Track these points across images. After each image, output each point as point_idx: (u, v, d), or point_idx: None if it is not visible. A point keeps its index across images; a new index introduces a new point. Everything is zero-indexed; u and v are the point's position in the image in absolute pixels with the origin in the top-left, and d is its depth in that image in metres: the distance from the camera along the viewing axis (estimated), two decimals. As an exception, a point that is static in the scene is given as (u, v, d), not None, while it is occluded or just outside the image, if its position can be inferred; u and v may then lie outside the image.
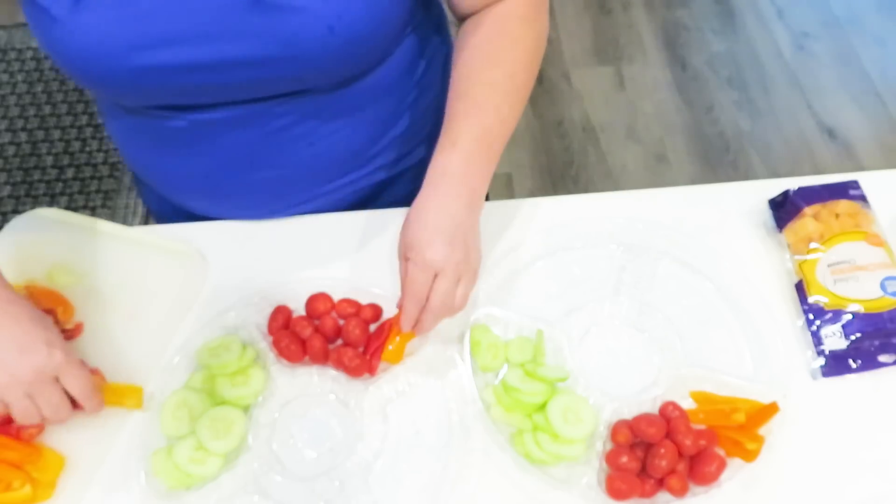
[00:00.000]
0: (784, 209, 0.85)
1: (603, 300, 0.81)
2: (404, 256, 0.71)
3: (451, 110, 0.74)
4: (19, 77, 2.30)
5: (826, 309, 0.78)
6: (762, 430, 0.70)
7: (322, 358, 0.76)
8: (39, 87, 2.27)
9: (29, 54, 2.35)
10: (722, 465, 0.68)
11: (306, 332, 0.76)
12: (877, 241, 0.81)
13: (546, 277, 0.83)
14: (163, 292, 0.82)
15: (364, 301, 0.79)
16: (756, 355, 0.77)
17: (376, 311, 0.79)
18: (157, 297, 0.81)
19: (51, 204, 2.00)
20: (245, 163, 0.82)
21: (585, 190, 2.04)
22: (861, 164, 2.07)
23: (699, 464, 0.69)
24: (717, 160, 2.10)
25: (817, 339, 0.77)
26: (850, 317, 0.76)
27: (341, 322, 0.77)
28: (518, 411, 0.72)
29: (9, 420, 0.69)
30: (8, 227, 0.87)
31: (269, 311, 0.79)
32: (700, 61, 2.33)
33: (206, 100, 0.75)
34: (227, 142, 0.80)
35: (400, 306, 0.71)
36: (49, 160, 2.11)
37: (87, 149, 2.13)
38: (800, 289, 0.80)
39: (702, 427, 0.71)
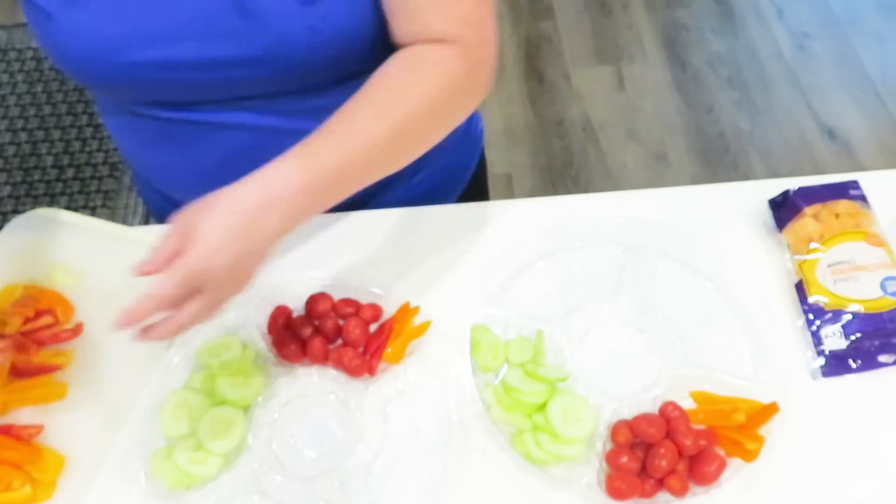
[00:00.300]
0: (784, 209, 0.85)
1: (603, 300, 0.81)
2: (182, 237, 0.59)
3: (331, 122, 0.66)
4: (19, 77, 2.30)
5: (826, 309, 0.78)
6: (762, 430, 0.70)
7: (322, 358, 0.76)
8: (39, 87, 2.27)
9: (29, 54, 2.35)
10: (722, 465, 0.68)
11: (306, 332, 0.76)
12: (877, 241, 0.81)
13: (546, 277, 0.83)
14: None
15: (364, 301, 0.79)
16: (756, 355, 0.77)
17: (376, 311, 0.79)
18: (157, 297, 0.81)
19: (51, 204, 2.00)
20: (239, 162, 0.81)
21: (585, 190, 2.05)
22: (861, 164, 2.07)
23: (699, 464, 0.69)
24: (717, 160, 2.10)
25: (817, 339, 0.77)
26: (850, 317, 0.76)
27: (341, 322, 0.77)
28: (518, 411, 0.72)
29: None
30: (8, 227, 0.87)
31: (269, 311, 0.79)
32: (700, 61, 2.33)
33: (196, 97, 0.75)
34: (222, 140, 0.80)
35: (142, 272, 0.59)
36: (49, 160, 2.11)
37: (87, 149, 2.13)
38: (800, 289, 0.80)
39: (702, 427, 0.71)
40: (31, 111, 2.21)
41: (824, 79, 2.27)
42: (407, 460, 0.71)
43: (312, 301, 0.79)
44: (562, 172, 2.11)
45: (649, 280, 0.82)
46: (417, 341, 0.77)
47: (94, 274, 0.82)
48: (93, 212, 2.01)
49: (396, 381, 0.76)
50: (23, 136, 2.16)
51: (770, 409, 0.70)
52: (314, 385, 0.76)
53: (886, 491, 0.70)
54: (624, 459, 0.69)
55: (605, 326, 0.80)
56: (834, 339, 0.76)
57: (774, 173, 2.07)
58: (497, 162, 2.11)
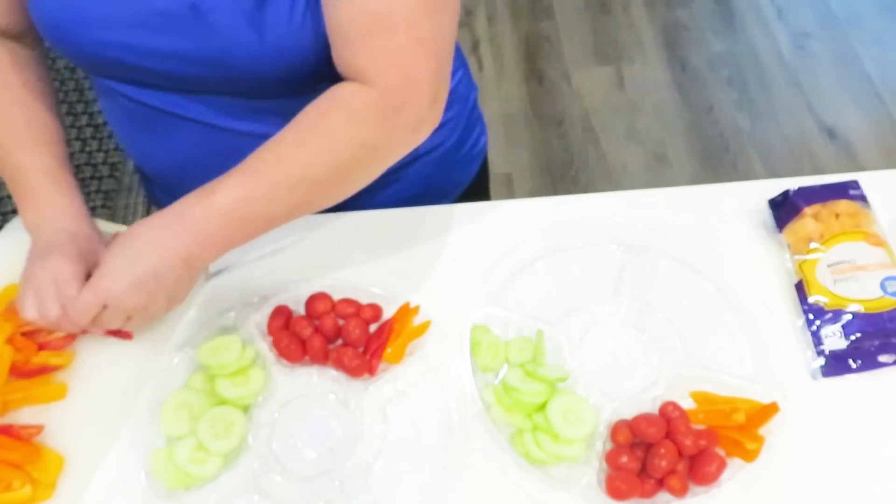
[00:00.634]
0: (784, 209, 0.85)
1: (603, 300, 0.81)
2: (95, 265, 0.70)
3: (244, 162, 0.69)
4: (19, 77, 2.30)
5: (826, 309, 0.78)
6: (762, 430, 0.70)
7: (322, 358, 0.76)
8: (39, 87, 2.27)
9: (29, 54, 2.35)
10: (722, 465, 0.68)
11: (306, 332, 0.76)
12: (877, 241, 0.81)
13: (546, 277, 0.83)
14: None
15: (364, 301, 0.79)
16: (756, 355, 0.77)
17: (376, 311, 0.79)
18: (157, 297, 0.81)
19: (51, 204, 2.00)
20: (205, 156, 0.83)
21: (585, 190, 2.05)
22: (861, 164, 2.08)
23: (699, 464, 0.69)
24: (717, 160, 2.10)
25: (817, 339, 0.77)
26: (850, 317, 0.76)
27: (341, 322, 0.77)
28: (518, 411, 0.72)
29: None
30: (8, 227, 0.87)
31: (269, 311, 0.79)
32: (700, 61, 2.33)
33: (157, 82, 0.76)
34: (188, 132, 0.81)
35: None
36: (49, 160, 2.11)
37: (87, 149, 2.13)
38: (800, 289, 0.80)
39: (702, 427, 0.71)
40: (31, 111, 2.21)
41: (824, 79, 2.27)
42: (407, 460, 0.71)
43: (312, 301, 0.79)
44: (562, 172, 2.11)
45: (649, 280, 0.82)
46: (417, 341, 0.77)
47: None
48: (93, 212, 2.00)
49: (396, 381, 0.76)
50: (23, 136, 2.16)
51: (770, 409, 0.70)
52: (314, 385, 0.76)
53: (887, 491, 0.70)
54: (624, 459, 0.69)
55: (605, 326, 0.80)
56: (834, 339, 0.76)
57: (774, 173, 2.07)
58: (497, 162, 2.11)
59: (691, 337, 0.78)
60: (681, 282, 0.83)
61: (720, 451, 0.70)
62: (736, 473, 0.69)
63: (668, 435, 0.70)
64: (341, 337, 0.77)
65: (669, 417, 0.71)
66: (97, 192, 2.05)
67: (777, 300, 0.81)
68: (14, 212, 2.02)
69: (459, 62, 0.94)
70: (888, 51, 2.33)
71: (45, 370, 0.75)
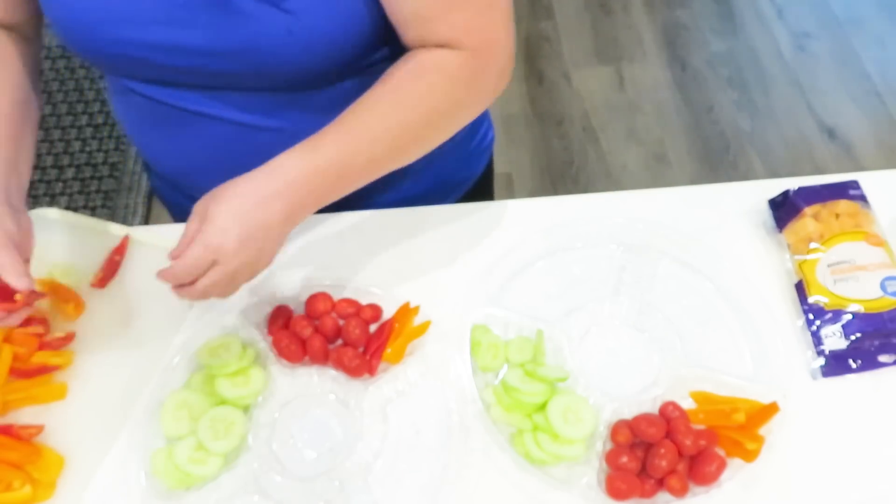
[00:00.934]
0: (784, 209, 0.85)
1: (603, 300, 0.81)
2: (200, 220, 0.66)
3: (335, 122, 0.70)
4: (19, 77, 2.30)
5: (826, 309, 0.78)
6: (762, 430, 0.70)
7: (322, 358, 0.76)
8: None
9: (29, 54, 2.35)
10: (722, 465, 0.68)
11: (306, 332, 0.76)
12: (877, 241, 0.81)
13: (546, 277, 0.83)
14: (163, 292, 0.81)
15: (364, 301, 0.79)
16: (756, 355, 0.77)
17: (376, 311, 0.79)
18: (157, 297, 0.81)
19: (51, 204, 2.00)
20: (220, 154, 0.82)
21: (585, 190, 2.05)
22: (861, 164, 2.07)
23: (699, 464, 0.69)
24: (717, 160, 2.10)
25: (817, 339, 0.77)
26: (850, 317, 0.76)
27: (341, 322, 0.77)
28: (518, 411, 0.72)
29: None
30: (8, 227, 0.87)
31: (269, 311, 0.79)
32: (700, 61, 2.33)
33: (177, 79, 0.76)
34: (204, 129, 0.81)
35: (172, 256, 0.67)
36: (49, 160, 2.11)
37: (87, 149, 2.13)
38: (800, 289, 0.80)
39: (702, 427, 0.71)
40: (31, 111, 2.21)
41: (824, 79, 2.27)
42: (407, 460, 0.71)
43: (312, 301, 0.79)
44: (562, 172, 2.11)
45: (649, 280, 0.82)
46: (417, 341, 0.77)
47: (94, 274, 0.82)
48: (93, 212, 2.01)
49: (396, 381, 0.76)
50: (23, 136, 2.16)
51: (770, 409, 0.70)
52: (314, 385, 0.76)
53: (886, 491, 0.70)
54: (624, 459, 0.69)
55: (605, 326, 0.80)
56: (834, 339, 0.76)
57: (774, 173, 2.07)
58: (497, 162, 2.10)
59: (691, 337, 0.78)
60: (681, 282, 0.83)
61: (720, 451, 0.70)
62: (736, 473, 0.69)
63: (668, 435, 0.70)
64: (341, 337, 0.77)
65: (669, 417, 0.71)
66: (97, 192, 2.04)
67: (777, 300, 0.81)
68: (14, 212, 2.01)
69: None
70: (888, 51, 2.33)
71: (44, 370, 0.75)
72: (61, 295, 0.80)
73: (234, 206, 0.66)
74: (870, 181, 0.86)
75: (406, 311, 0.77)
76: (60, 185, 2.06)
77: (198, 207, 0.67)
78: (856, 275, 0.79)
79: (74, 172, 2.08)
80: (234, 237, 0.65)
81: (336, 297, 0.79)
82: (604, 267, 0.84)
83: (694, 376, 0.75)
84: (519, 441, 0.71)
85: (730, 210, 0.88)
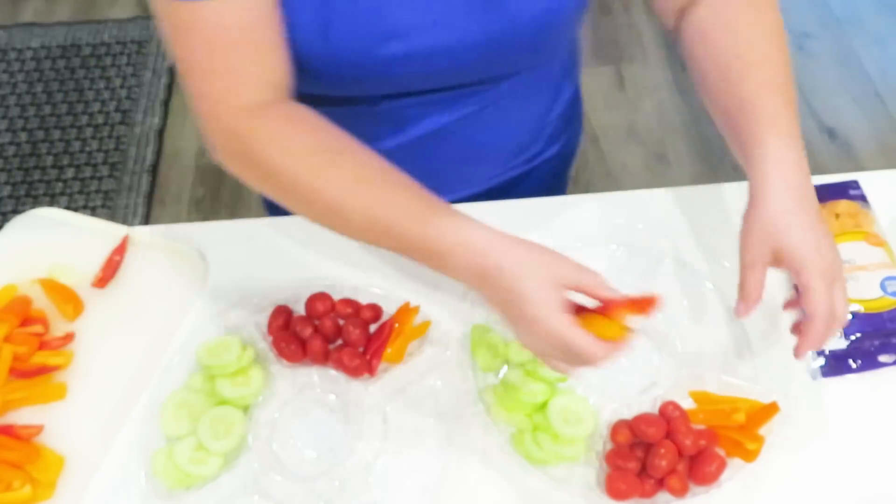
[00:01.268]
0: (784, 209, 0.85)
1: (603, 300, 0.81)
2: (764, 270, 0.65)
3: (740, 89, 0.69)
4: (19, 77, 2.30)
5: (826, 309, 0.78)
6: (762, 430, 0.70)
7: (322, 358, 0.76)
8: (39, 87, 2.27)
9: (29, 54, 2.35)
10: (722, 465, 0.68)
11: (306, 332, 0.76)
12: (877, 241, 0.81)
13: (546, 277, 0.83)
14: (163, 292, 0.82)
15: (364, 301, 0.79)
16: (756, 355, 0.77)
17: (376, 311, 0.79)
18: (157, 297, 0.81)
19: (51, 204, 2.00)
20: (424, 147, 0.83)
21: (585, 190, 2.04)
22: (861, 164, 2.07)
23: (699, 464, 0.69)
24: (717, 160, 2.10)
25: (817, 339, 0.77)
26: (850, 317, 0.76)
27: (341, 322, 0.77)
28: (518, 411, 0.72)
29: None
30: (8, 227, 0.87)
31: (269, 311, 0.79)
32: (700, 61, 2.33)
33: (425, 86, 0.76)
34: (414, 126, 0.81)
35: (800, 331, 0.65)
36: (49, 160, 2.11)
37: (87, 149, 2.13)
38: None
39: (702, 427, 0.71)
40: (31, 111, 2.21)
41: (824, 79, 2.27)
42: (407, 460, 0.71)
43: (312, 301, 0.79)
44: (562, 172, 2.11)
45: (649, 280, 0.82)
46: (417, 341, 0.77)
47: (94, 274, 0.82)
48: (93, 212, 2.01)
49: (396, 381, 0.76)
50: (23, 136, 2.16)
51: (770, 409, 0.70)
52: (314, 385, 0.76)
53: (886, 491, 0.70)
54: (624, 459, 0.69)
55: (605, 326, 0.80)
56: (834, 338, 0.76)
57: (774, 173, 2.06)
58: (497, 162, 2.11)
59: (691, 337, 0.78)
60: (681, 282, 0.83)
61: (720, 451, 0.70)
62: (736, 473, 0.69)
63: (668, 435, 0.70)
64: (341, 337, 0.77)
65: (669, 417, 0.71)
66: (97, 192, 2.04)
67: (777, 300, 0.81)
68: (14, 212, 2.02)
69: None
70: (888, 51, 2.33)
71: (44, 370, 0.75)
72: (61, 295, 0.80)
73: (801, 224, 0.64)
74: (870, 181, 0.86)
75: (406, 311, 0.77)
76: (60, 185, 2.06)
77: (750, 255, 0.66)
78: (856, 275, 0.79)
79: (74, 172, 2.08)
80: (827, 246, 0.64)
81: (336, 297, 0.79)
82: (604, 267, 0.83)
83: (694, 376, 0.75)
84: (519, 441, 0.71)
85: (730, 210, 0.88)
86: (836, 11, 2.43)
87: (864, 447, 0.72)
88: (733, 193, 0.90)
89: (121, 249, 0.84)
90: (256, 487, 0.69)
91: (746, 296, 0.66)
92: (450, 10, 0.69)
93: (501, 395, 0.73)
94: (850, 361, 0.76)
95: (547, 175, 1.00)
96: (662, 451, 0.68)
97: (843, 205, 0.83)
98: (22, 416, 0.73)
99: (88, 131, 2.17)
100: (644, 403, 0.73)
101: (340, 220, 0.66)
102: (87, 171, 2.09)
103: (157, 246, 0.85)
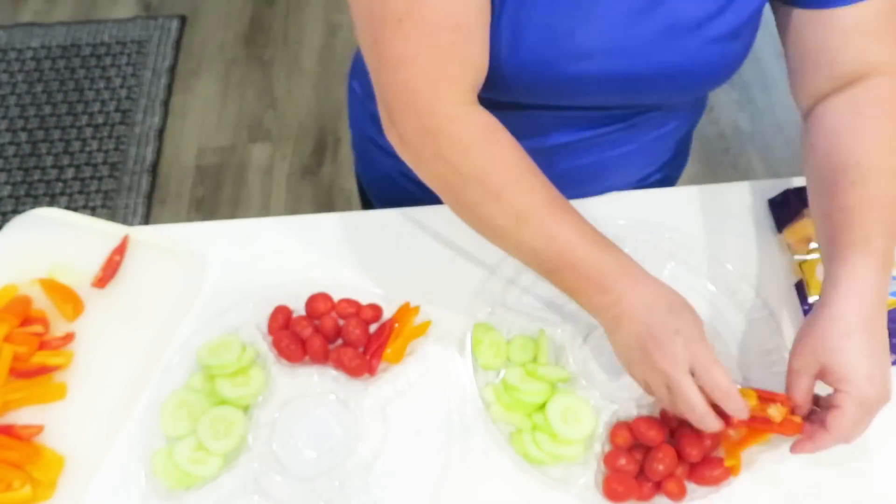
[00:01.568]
0: (784, 209, 0.85)
1: (603, 300, 0.81)
2: (813, 380, 0.65)
3: (845, 198, 0.67)
4: (19, 77, 2.30)
5: (826, 309, 0.77)
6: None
7: (322, 358, 0.76)
8: (39, 87, 2.27)
9: (29, 54, 2.35)
10: (727, 471, 0.68)
11: (306, 332, 0.76)
12: (877, 241, 0.80)
13: (546, 277, 0.83)
14: (163, 292, 0.82)
15: (364, 301, 0.79)
16: (756, 356, 0.77)
17: (376, 311, 0.79)
18: (157, 297, 0.81)
19: (51, 204, 2.00)
20: (543, 157, 0.82)
21: (585, 190, 2.04)
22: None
23: (703, 468, 0.68)
24: (717, 160, 2.10)
25: (817, 340, 0.77)
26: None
27: (341, 322, 0.77)
28: (517, 411, 0.72)
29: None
30: (8, 227, 0.87)
31: (269, 311, 0.79)
32: (700, 61, 2.33)
33: (590, 104, 0.78)
34: (545, 137, 0.82)
35: (816, 437, 0.64)
36: (49, 160, 2.11)
37: (87, 149, 2.13)
38: (800, 289, 0.80)
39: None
40: (31, 111, 2.21)
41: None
42: (407, 460, 0.71)
43: (312, 301, 0.79)
44: (562, 172, 2.11)
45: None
46: (417, 341, 0.77)
47: (94, 274, 0.82)
48: (93, 212, 2.01)
49: (396, 381, 0.76)
50: (23, 136, 2.16)
51: (794, 427, 0.68)
52: (314, 385, 0.76)
53: (886, 492, 0.70)
54: (622, 462, 0.69)
55: (606, 326, 0.79)
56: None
57: (774, 173, 2.07)
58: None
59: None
60: (680, 282, 0.82)
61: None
62: (734, 480, 0.69)
63: (671, 439, 0.70)
64: (341, 337, 0.77)
65: (671, 420, 0.71)
66: (97, 192, 2.04)
67: (777, 300, 0.81)
68: (14, 212, 2.02)
69: None
70: None
71: (44, 370, 0.75)
72: (61, 295, 0.80)
73: (859, 348, 0.63)
74: (870, 181, 0.86)
75: (406, 311, 0.77)
76: (60, 185, 2.06)
77: (797, 365, 0.65)
78: (856, 275, 0.78)
79: (74, 172, 2.08)
80: (880, 378, 0.62)
81: (336, 297, 0.79)
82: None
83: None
84: (518, 440, 0.71)
85: (730, 210, 0.88)
86: None
87: (864, 447, 0.72)
88: (733, 193, 0.90)
89: (121, 249, 0.84)
90: (256, 487, 0.69)
91: (801, 405, 0.66)
92: (638, 39, 0.70)
93: (501, 395, 0.73)
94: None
95: None
96: (661, 454, 0.68)
97: (843, 205, 0.83)
98: (22, 416, 0.73)
99: (88, 131, 2.17)
100: (644, 407, 0.73)
101: (518, 234, 0.67)
102: (87, 171, 2.09)
103: (157, 246, 0.85)
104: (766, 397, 0.68)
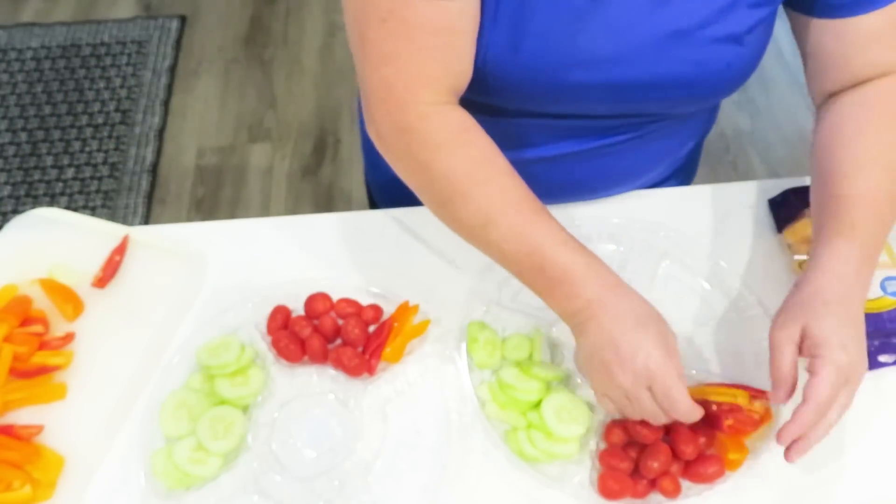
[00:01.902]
0: (784, 209, 0.85)
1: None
2: (795, 349, 0.64)
3: (839, 188, 0.69)
4: (19, 77, 2.30)
5: (825, 309, 0.77)
6: (762, 430, 0.70)
7: (321, 358, 0.76)
8: (39, 87, 2.27)
9: (29, 54, 2.36)
10: (722, 468, 0.68)
11: (305, 331, 0.76)
12: (876, 240, 0.80)
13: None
14: (162, 292, 0.82)
15: (363, 301, 0.79)
16: (756, 356, 0.77)
17: (376, 311, 0.79)
18: (157, 297, 0.81)
19: (51, 204, 2.00)
20: (550, 166, 0.84)
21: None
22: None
23: (698, 466, 0.68)
24: (717, 160, 2.10)
25: (817, 339, 0.77)
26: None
27: (340, 322, 0.78)
28: (513, 409, 0.72)
29: None
30: (8, 227, 0.87)
31: (268, 311, 0.79)
32: (700, 61, 2.33)
33: (594, 112, 0.78)
34: (553, 146, 0.82)
35: (796, 413, 0.62)
36: (49, 160, 2.11)
37: (87, 149, 2.13)
38: (799, 289, 0.80)
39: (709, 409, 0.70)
40: (31, 111, 2.21)
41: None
42: (406, 460, 0.71)
43: (311, 301, 0.79)
44: (562, 172, 2.11)
45: (648, 280, 0.82)
46: (417, 341, 0.77)
47: (94, 274, 0.82)
48: (93, 212, 2.01)
49: (396, 380, 0.76)
50: (23, 136, 2.16)
51: (763, 417, 0.69)
52: (313, 385, 0.76)
53: (886, 492, 0.70)
54: (617, 460, 0.69)
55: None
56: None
57: (774, 173, 2.07)
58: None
59: (690, 337, 0.78)
60: (680, 282, 0.83)
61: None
62: (730, 473, 0.69)
63: (666, 437, 0.70)
64: (340, 337, 0.77)
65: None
66: (97, 192, 2.05)
67: (777, 300, 0.80)
68: (14, 212, 2.02)
69: None
70: None
71: (44, 370, 0.75)
72: (61, 295, 0.80)
73: (837, 317, 0.63)
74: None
75: (405, 311, 0.77)
76: (60, 185, 2.06)
77: (779, 335, 0.65)
78: (855, 275, 0.78)
79: (74, 172, 2.08)
80: (855, 348, 0.62)
81: (335, 297, 0.79)
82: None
83: (692, 377, 0.75)
84: (513, 438, 0.71)
85: (730, 210, 0.88)
86: (837, 11, 2.43)
87: (864, 447, 0.72)
88: (733, 193, 0.90)
89: (121, 249, 0.84)
90: (256, 487, 0.69)
91: (778, 380, 0.65)
92: (642, 48, 0.70)
93: (496, 392, 0.73)
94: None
95: None
96: (656, 452, 0.68)
97: (842, 205, 0.83)
98: (22, 416, 0.73)
99: (88, 131, 2.17)
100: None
101: (486, 234, 0.68)
102: (87, 171, 2.09)
103: (157, 246, 0.85)
104: (756, 395, 0.68)
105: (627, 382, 0.63)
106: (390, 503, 0.69)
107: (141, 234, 0.86)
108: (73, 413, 0.74)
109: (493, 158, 0.69)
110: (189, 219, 1.99)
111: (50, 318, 0.79)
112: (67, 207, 1.88)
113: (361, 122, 1.01)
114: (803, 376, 0.64)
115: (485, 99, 0.73)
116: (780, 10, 0.76)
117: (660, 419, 0.65)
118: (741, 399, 0.68)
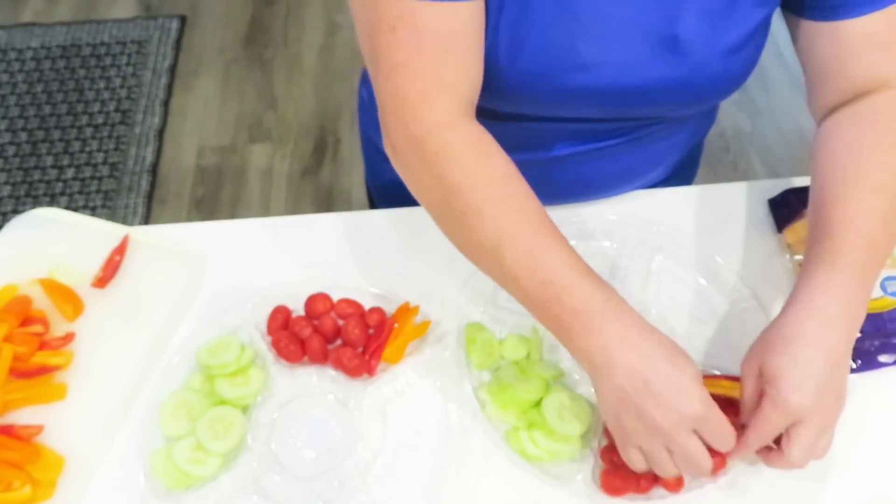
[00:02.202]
0: (784, 209, 0.85)
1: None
2: (760, 383, 0.62)
3: (826, 213, 0.66)
4: (19, 77, 2.30)
5: (825, 309, 0.77)
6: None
7: (321, 358, 0.76)
8: (39, 87, 2.27)
9: (29, 54, 2.36)
10: (722, 462, 0.68)
11: (305, 332, 0.76)
12: (876, 241, 0.80)
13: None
14: (162, 292, 0.82)
15: (364, 301, 0.79)
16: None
17: (376, 311, 0.79)
18: (157, 297, 0.81)
19: (51, 204, 2.00)
20: (548, 168, 0.84)
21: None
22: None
23: None
24: (717, 160, 2.10)
25: (816, 339, 0.77)
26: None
27: (340, 322, 0.77)
28: (513, 408, 0.72)
29: None
30: (8, 227, 0.87)
31: (268, 311, 0.79)
32: (700, 61, 2.33)
33: (591, 116, 0.78)
34: (550, 149, 0.83)
35: (743, 429, 0.62)
36: (49, 160, 2.11)
37: (87, 149, 2.13)
38: (799, 289, 0.80)
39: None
40: (31, 111, 2.21)
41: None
42: (406, 460, 0.71)
43: (311, 301, 0.79)
44: (562, 172, 2.11)
45: (648, 280, 0.82)
46: (417, 341, 0.77)
47: (94, 274, 0.82)
48: (93, 212, 2.01)
49: (395, 381, 0.76)
50: (23, 136, 2.16)
51: None
52: (313, 385, 0.76)
53: (886, 492, 0.70)
54: (618, 456, 0.69)
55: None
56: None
57: (774, 173, 2.07)
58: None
59: (690, 338, 0.78)
60: (680, 282, 0.83)
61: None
62: (731, 470, 0.69)
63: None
64: (340, 337, 0.77)
65: None
66: (97, 192, 2.05)
67: (777, 300, 0.81)
68: (14, 212, 2.02)
69: None
70: None
71: (44, 370, 0.75)
72: (61, 295, 0.80)
73: (793, 356, 0.60)
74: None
75: (405, 311, 0.77)
76: (60, 185, 2.06)
77: (749, 368, 0.63)
78: (855, 275, 0.78)
79: (74, 172, 2.08)
80: (809, 390, 0.59)
81: (336, 297, 0.79)
82: (602, 267, 0.84)
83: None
84: (514, 438, 0.71)
85: (730, 210, 0.88)
86: None
87: (864, 447, 0.72)
88: (733, 193, 0.90)
89: (121, 249, 0.84)
90: (255, 487, 0.69)
91: (745, 412, 0.64)
92: (639, 53, 0.70)
93: (496, 393, 0.73)
94: (850, 361, 0.76)
95: None
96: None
97: (842, 205, 0.83)
98: (22, 416, 0.73)
99: (88, 131, 2.17)
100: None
101: (499, 256, 0.63)
102: (87, 171, 2.09)
103: (157, 246, 0.85)
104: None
105: (672, 427, 0.58)
106: (390, 503, 0.69)
107: (141, 234, 0.86)
108: (73, 413, 0.74)
109: (510, 176, 0.66)
110: (189, 219, 1.99)
111: (50, 318, 0.79)
112: (67, 207, 1.88)
113: (361, 124, 1.01)
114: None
115: (483, 102, 0.72)
116: (780, 11, 0.76)
117: (703, 468, 0.61)
118: (739, 391, 0.68)
